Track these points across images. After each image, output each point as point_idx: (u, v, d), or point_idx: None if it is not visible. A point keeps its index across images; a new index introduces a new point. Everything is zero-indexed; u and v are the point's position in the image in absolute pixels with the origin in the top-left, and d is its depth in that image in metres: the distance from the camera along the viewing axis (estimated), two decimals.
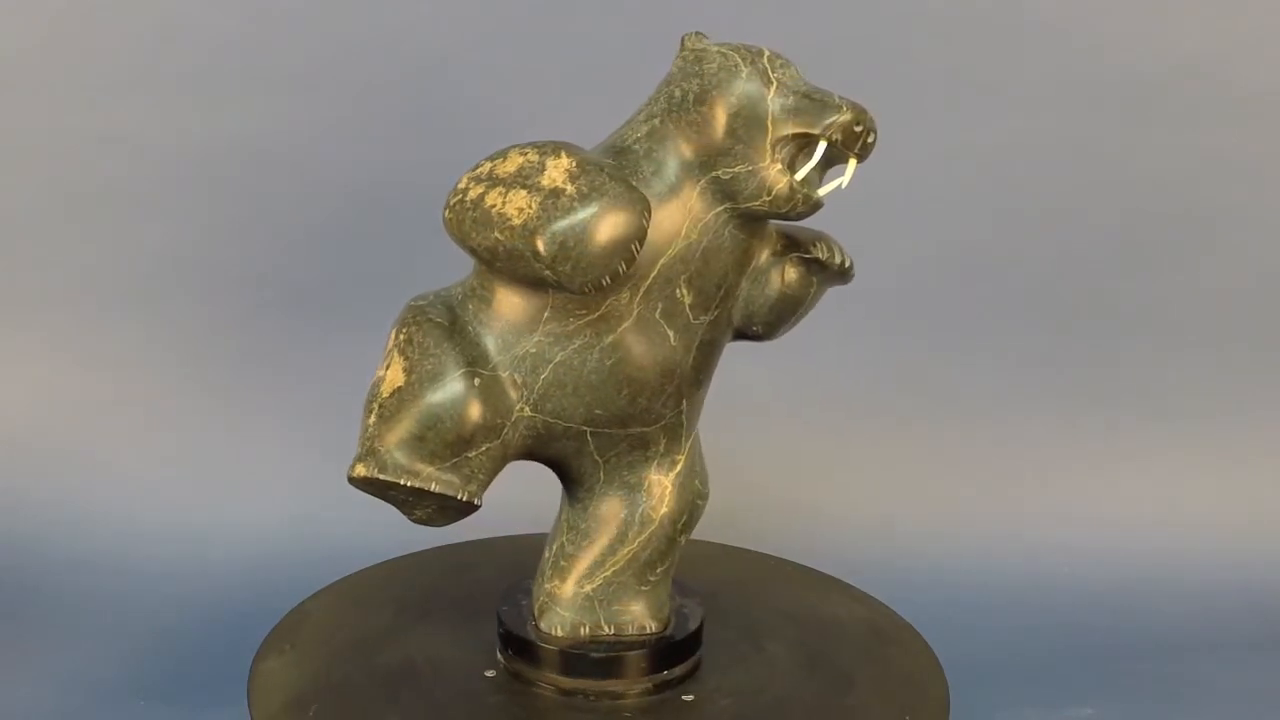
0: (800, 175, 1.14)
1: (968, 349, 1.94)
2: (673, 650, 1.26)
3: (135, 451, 1.89)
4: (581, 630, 1.25)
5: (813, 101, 1.14)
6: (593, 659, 1.24)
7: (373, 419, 1.17)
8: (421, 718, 1.21)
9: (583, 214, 1.07)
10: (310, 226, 1.89)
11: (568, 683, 1.24)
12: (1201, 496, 1.93)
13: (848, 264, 1.24)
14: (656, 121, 1.16)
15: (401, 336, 1.17)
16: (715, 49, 1.15)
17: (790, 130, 1.13)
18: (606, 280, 1.08)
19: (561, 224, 1.07)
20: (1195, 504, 1.93)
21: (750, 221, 1.17)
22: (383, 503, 1.17)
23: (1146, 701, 1.63)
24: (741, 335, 1.25)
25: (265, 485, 1.88)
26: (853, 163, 1.15)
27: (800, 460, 1.91)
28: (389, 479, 1.15)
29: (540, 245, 1.07)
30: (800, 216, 1.16)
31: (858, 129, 1.13)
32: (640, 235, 1.08)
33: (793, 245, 1.23)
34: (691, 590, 1.35)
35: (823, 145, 1.13)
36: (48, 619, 1.70)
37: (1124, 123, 1.88)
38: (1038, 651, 1.72)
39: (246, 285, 1.90)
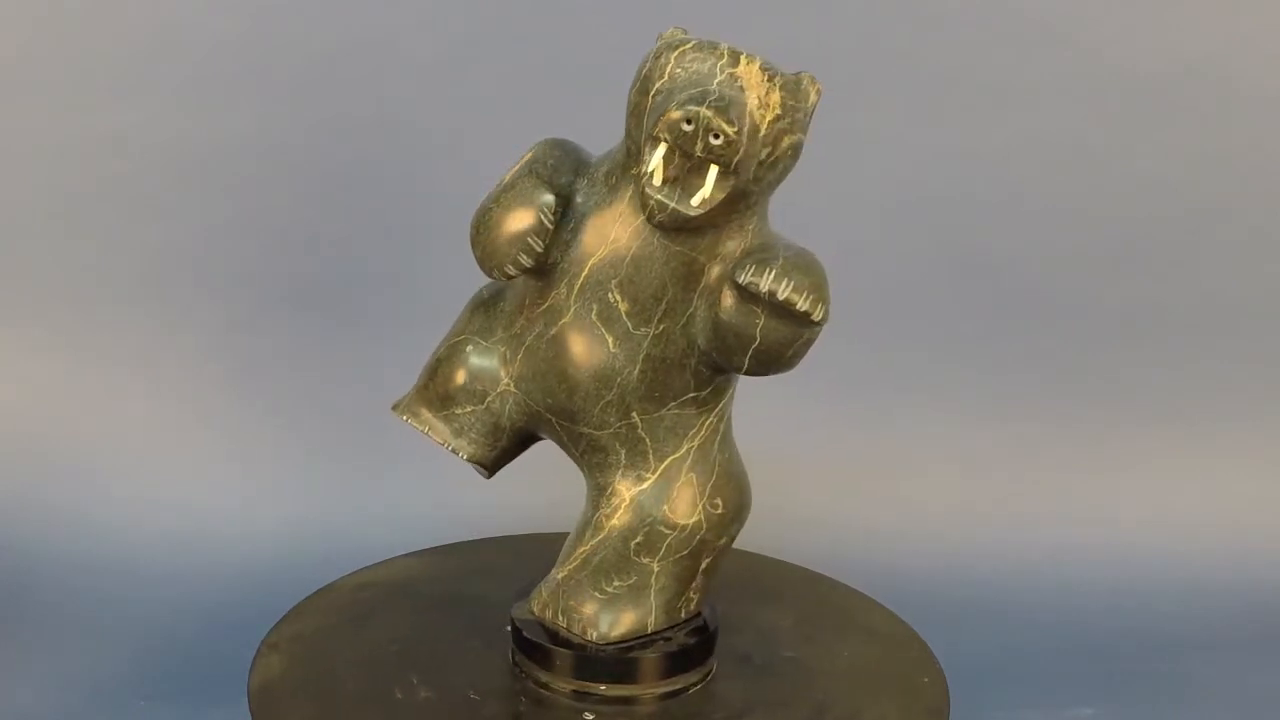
0: (656, 181, 1.08)
1: (967, 349, 1.94)
2: (608, 665, 1.23)
3: (135, 452, 1.89)
4: (547, 613, 1.26)
5: (668, 98, 1.08)
6: (527, 639, 1.25)
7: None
8: (381, 641, 1.32)
9: (489, 204, 1.15)
10: (311, 227, 1.89)
11: (519, 658, 1.27)
12: (1201, 496, 1.94)
13: (782, 296, 1.09)
14: None
15: None
16: (658, 44, 1.13)
17: (650, 129, 1.08)
18: (510, 269, 1.14)
19: (479, 211, 1.16)
20: (1195, 504, 1.93)
21: (681, 232, 1.12)
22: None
23: (1146, 701, 1.64)
24: (715, 364, 1.18)
25: (266, 486, 1.88)
26: (712, 169, 1.07)
27: (799, 461, 1.91)
28: (398, 414, 1.27)
29: (470, 229, 1.16)
30: (663, 226, 1.10)
31: (687, 127, 1.05)
32: (535, 231, 1.13)
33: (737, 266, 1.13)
34: (710, 623, 1.29)
35: (662, 147, 1.07)
36: (48, 619, 1.70)
37: (1124, 123, 1.88)
38: (1038, 651, 1.73)
39: (247, 286, 1.90)
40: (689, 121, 1.06)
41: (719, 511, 1.23)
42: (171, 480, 1.88)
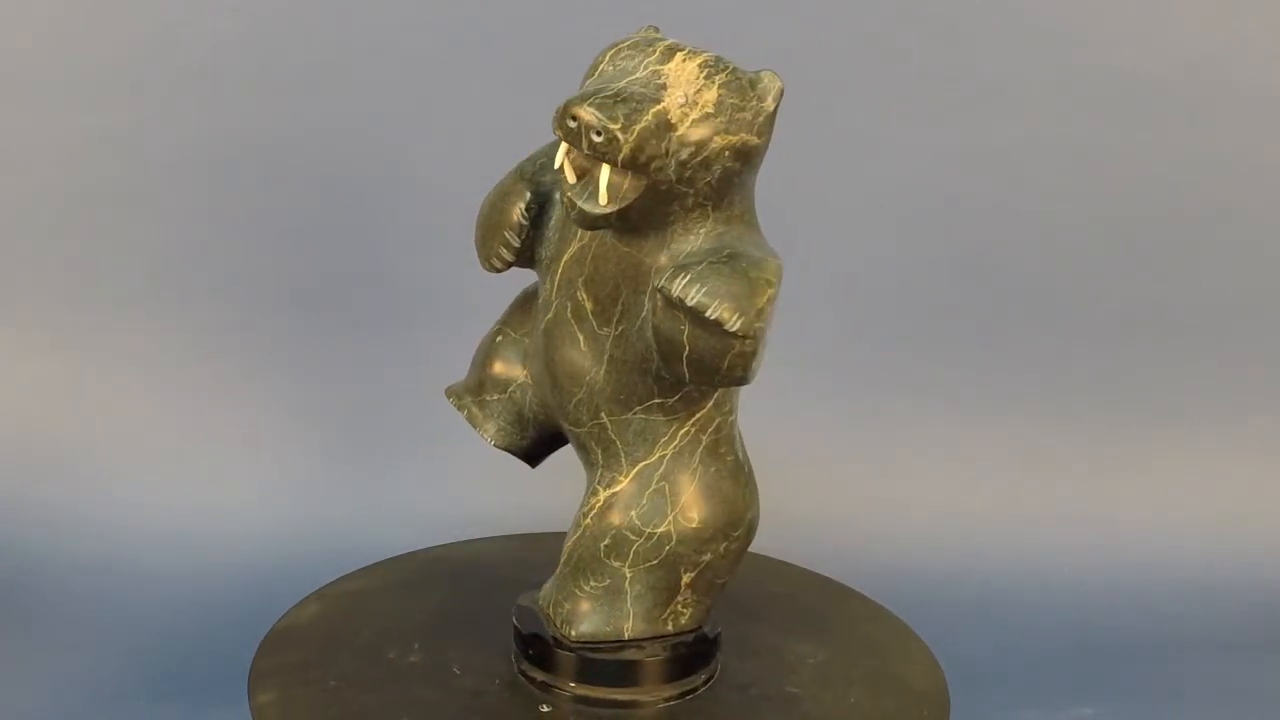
0: (570, 180, 1.07)
1: (967, 349, 1.94)
2: (578, 664, 1.22)
3: (135, 452, 1.89)
4: (545, 604, 1.25)
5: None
6: (514, 626, 1.26)
7: None
8: (414, 610, 1.36)
9: (483, 202, 1.21)
10: (311, 227, 1.89)
11: (514, 644, 1.28)
12: (1201, 496, 1.94)
13: (691, 303, 1.04)
14: None
15: None
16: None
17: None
18: (495, 263, 1.20)
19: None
20: (1195, 504, 1.93)
21: (627, 231, 1.10)
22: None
23: (1146, 701, 1.64)
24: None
25: (266, 486, 1.88)
26: (604, 168, 1.04)
27: (799, 461, 1.91)
28: (446, 396, 1.31)
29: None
30: (580, 224, 1.08)
31: (571, 124, 1.03)
32: (510, 227, 1.18)
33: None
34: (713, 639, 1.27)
35: (563, 145, 1.06)
36: (48, 620, 1.70)
37: (1124, 123, 1.88)
38: (1038, 651, 1.73)
39: (247, 286, 1.90)
40: (573, 119, 1.03)
41: (693, 525, 1.19)
42: (171, 480, 1.88)
